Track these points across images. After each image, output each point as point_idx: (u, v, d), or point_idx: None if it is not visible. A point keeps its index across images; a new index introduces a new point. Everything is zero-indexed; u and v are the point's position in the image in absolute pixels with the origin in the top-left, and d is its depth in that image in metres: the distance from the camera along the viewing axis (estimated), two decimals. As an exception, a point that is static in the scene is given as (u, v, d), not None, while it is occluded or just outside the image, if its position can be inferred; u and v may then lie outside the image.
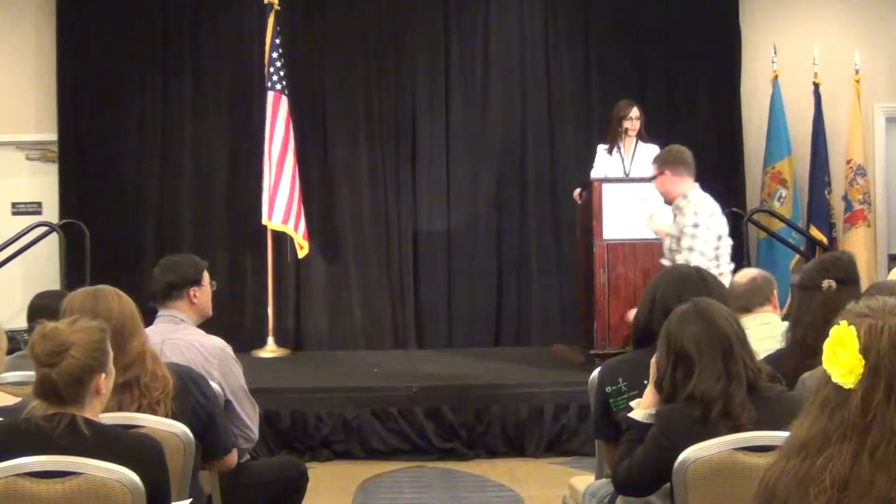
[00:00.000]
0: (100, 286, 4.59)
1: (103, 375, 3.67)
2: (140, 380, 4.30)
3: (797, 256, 11.00)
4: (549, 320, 11.62)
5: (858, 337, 2.36)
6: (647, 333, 4.53)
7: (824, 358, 2.42)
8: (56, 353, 3.56)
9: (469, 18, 11.96)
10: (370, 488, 8.08)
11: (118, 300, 4.45)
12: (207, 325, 5.55)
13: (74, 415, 3.57)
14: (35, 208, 11.98)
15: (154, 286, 5.40)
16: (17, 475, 3.44)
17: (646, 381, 4.37)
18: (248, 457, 5.49)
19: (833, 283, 4.76)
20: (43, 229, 10.53)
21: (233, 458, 4.97)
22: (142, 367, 4.33)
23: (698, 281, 4.59)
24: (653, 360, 4.09)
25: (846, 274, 4.88)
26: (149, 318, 5.10)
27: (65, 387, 3.56)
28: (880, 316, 2.38)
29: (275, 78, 10.90)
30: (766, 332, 5.19)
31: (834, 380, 2.39)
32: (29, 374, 4.62)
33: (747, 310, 5.46)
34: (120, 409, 4.18)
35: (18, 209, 12.01)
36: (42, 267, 11.32)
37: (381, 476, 8.33)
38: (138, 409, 4.24)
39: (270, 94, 10.87)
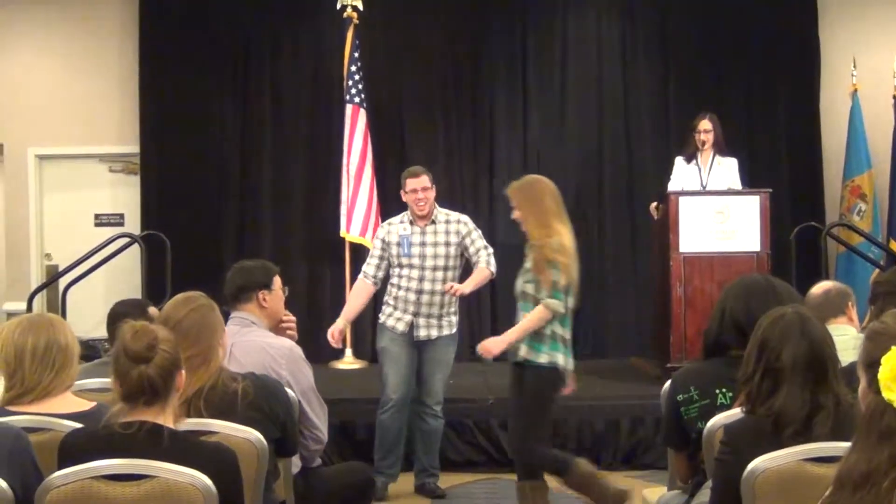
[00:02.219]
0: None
1: (183, 372, 3.76)
2: None
3: (877, 271, 10.84)
4: (626, 333, 11.60)
5: None
6: (718, 344, 4.50)
7: (882, 387, 2.39)
8: (151, 346, 3.64)
9: (547, 31, 11.99)
10: (446, 499, 8.09)
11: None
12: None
13: (159, 424, 3.64)
14: (117, 220, 12.18)
15: (225, 289, 5.48)
16: (93, 478, 3.50)
17: (717, 391, 4.36)
18: (318, 462, 5.52)
19: None
20: (125, 240, 10.63)
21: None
22: None
23: (768, 290, 4.54)
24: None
25: None
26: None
27: (159, 382, 3.64)
28: None
29: (353, 91, 10.97)
30: (841, 343, 5.15)
31: None
32: (108, 381, 4.69)
33: (822, 321, 5.40)
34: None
35: (101, 220, 12.20)
36: (124, 277, 11.48)
37: (457, 487, 8.33)
38: None
39: (349, 107, 10.95)
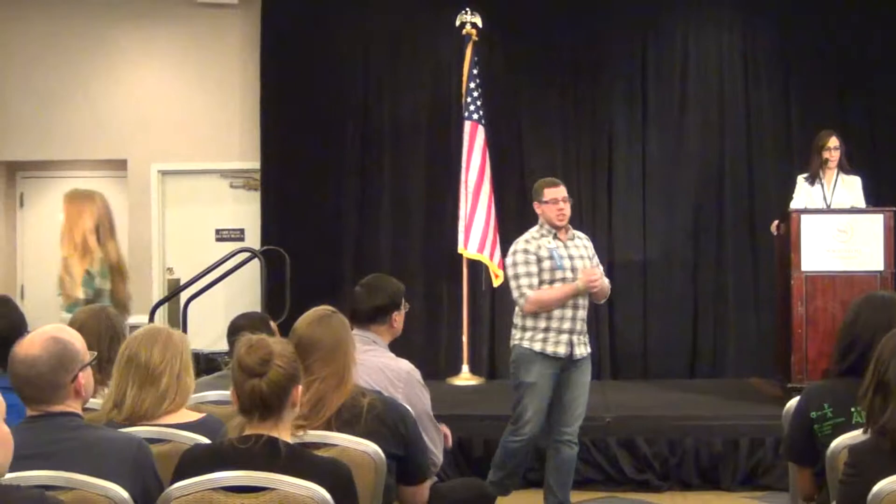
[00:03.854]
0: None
1: (300, 387, 3.77)
2: None
3: None
4: (746, 353, 11.43)
5: None
6: (853, 365, 4.39)
7: None
8: (265, 360, 3.66)
9: (667, 48, 11.89)
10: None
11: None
12: (405, 352, 5.61)
13: (275, 437, 3.65)
14: (238, 235, 12.31)
15: (359, 307, 5.41)
16: (213, 489, 3.53)
17: (853, 409, 4.27)
18: (434, 479, 5.50)
19: None
20: (245, 255, 10.75)
21: (423, 490, 4.91)
22: None
23: None
24: None
25: None
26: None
27: (272, 397, 3.66)
28: None
29: (472, 108, 10.97)
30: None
31: None
32: (226, 394, 4.72)
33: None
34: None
35: (222, 235, 12.35)
36: (244, 292, 11.59)
37: (574, 506, 8.28)
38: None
39: (467, 124, 10.95)
